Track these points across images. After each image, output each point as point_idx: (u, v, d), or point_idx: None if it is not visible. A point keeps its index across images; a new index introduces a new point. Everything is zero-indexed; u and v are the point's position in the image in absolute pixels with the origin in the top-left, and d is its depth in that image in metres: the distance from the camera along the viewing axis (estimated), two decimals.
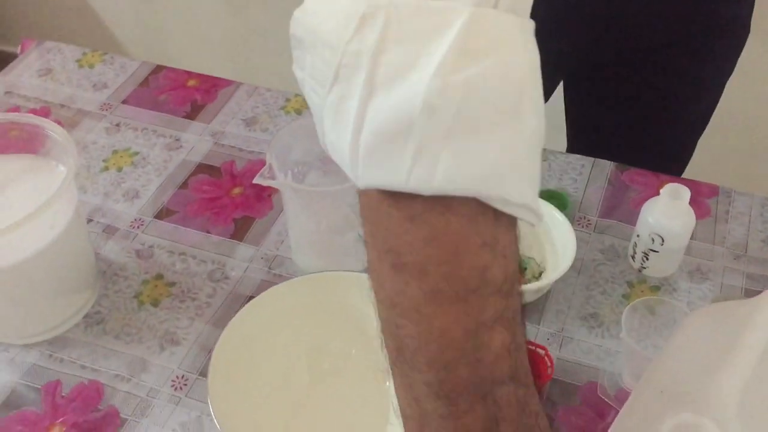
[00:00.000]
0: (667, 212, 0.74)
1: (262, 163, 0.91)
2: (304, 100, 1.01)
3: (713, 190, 0.88)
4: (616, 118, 1.01)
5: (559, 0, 0.87)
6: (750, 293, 0.77)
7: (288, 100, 1.02)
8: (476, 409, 0.35)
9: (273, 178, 0.72)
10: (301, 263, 0.82)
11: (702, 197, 0.86)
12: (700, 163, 1.50)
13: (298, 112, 1.00)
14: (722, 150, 1.61)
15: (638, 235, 0.77)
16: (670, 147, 1.03)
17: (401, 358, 0.37)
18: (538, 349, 0.71)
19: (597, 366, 0.72)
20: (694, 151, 1.05)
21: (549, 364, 0.69)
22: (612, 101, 1.01)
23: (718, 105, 0.99)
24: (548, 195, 0.87)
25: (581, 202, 0.87)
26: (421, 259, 0.34)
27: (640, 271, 0.79)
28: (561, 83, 1.06)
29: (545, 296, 0.78)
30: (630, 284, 0.79)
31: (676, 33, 0.89)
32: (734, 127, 1.54)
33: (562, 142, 1.11)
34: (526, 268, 0.80)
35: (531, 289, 0.73)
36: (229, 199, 0.89)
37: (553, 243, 0.79)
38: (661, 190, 0.74)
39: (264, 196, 0.89)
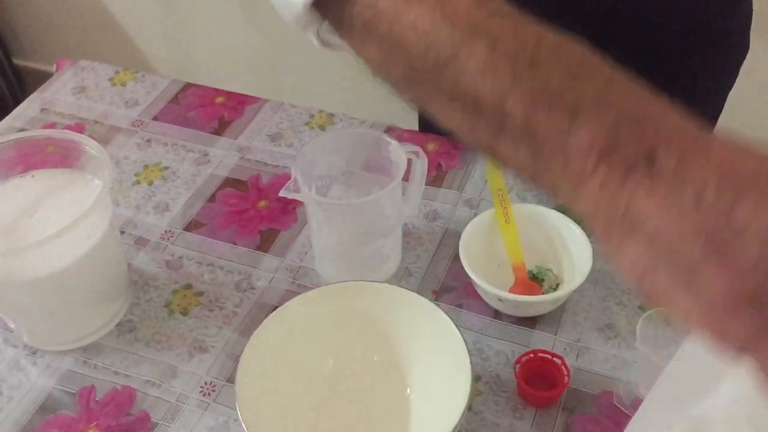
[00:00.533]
0: None
1: (287, 177, 0.94)
2: (328, 116, 1.05)
3: None
4: None
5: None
6: None
7: (312, 116, 1.05)
8: None
9: (298, 191, 0.75)
10: (324, 274, 0.85)
11: None
12: None
13: (322, 128, 1.03)
14: None
15: None
16: None
17: None
18: (555, 359, 0.73)
19: (613, 376, 0.74)
20: None
21: (565, 372, 0.71)
22: None
23: (723, 118, 1.00)
24: (564, 207, 0.89)
25: None
26: None
27: None
28: None
29: (562, 307, 0.79)
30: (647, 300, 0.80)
31: (669, 47, 0.89)
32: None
33: None
34: (543, 280, 0.82)
35: (548, 299, 0.75)
36: (255, 211, 0.92)
37: (570, 255, 0.81)
38: None
39: (289, 209, 0.92)
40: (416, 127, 1.11)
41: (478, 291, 0.80)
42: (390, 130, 1.02)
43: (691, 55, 0.90)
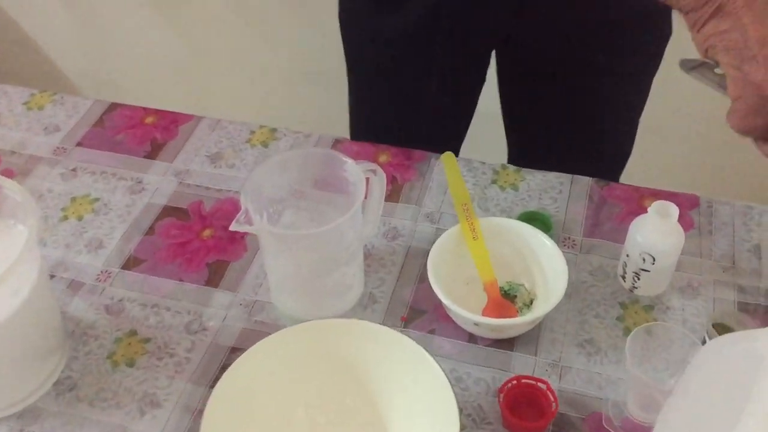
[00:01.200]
0: (656, 230, 0.73)
1: (232, 201, 0.87)
2: (270, 131, 0.98)
3: (693, 202, 0.87)
4: (547, 121, 1.01)
5: None
6: (742, 306, 0.76)
7: (252, 132, 0.98)
8: None
9: (250, 223, 0.68)
10: (282, 307, 0.78)
11: (683, 210, 0.85)
12: (671, 171, 1.50)
13: (264, 145, 0.96)
14: (689, 155, 1.62)
15: (628, 255, 0.76)
16: (605, 147, 1.03)
17: None
18: (539, 383, 0.68)
19: (599, 395, 0.70)
20: (630, 150, 1.04)
21: (552, 399, 0.67)
22: (541, 103, 1.00)
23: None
24: (530, 216, 0.85)
25: (564, 222, 0.85)
26: None
27: (631, 290, 0.78)
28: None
29: (539, 324, 0.75)
30: (623, 305, 0.77)
31: (590, 27, 0.87)
32: (693, 131, 1.55)
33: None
34: (516, 296, 0.77)
35: (526, 321, 0.70)
36: (200, 242, 0.85)
37: (542, 268, 0.77)
38: (648, 208, 0.73)
39: (237, 237, 0.85)
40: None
41: (450, 314, 0.75)
42: (338, 143, 0.96)
43: (615, 33, 0.88)
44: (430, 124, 1.03)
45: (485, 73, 1.00)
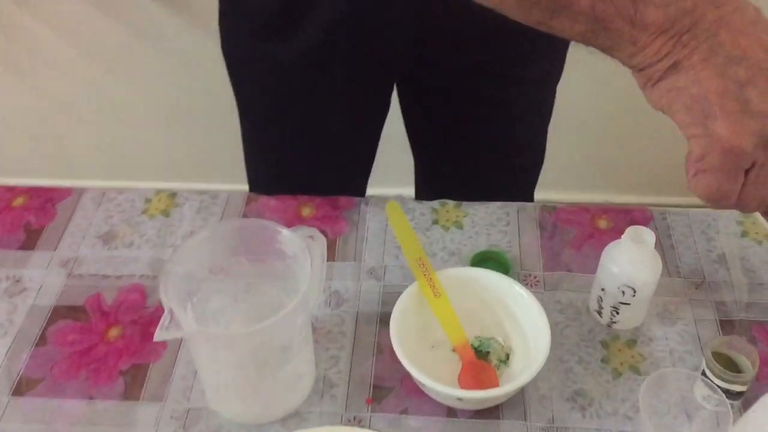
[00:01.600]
0: (633, 260, 0.66)
1: (138, 288, 0.75)
2: (169, 197, 0.84)
3: (646, 216, 0.81)
4: (458, 142, 0.94)
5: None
6: (725, 325, 0.71)
7: (148, 200, 0.84)
8: None
9: (179, 327, 0.56)
10: (224, 412, 0.65)
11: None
12: (577, 173, 1.45)
13: (165, 214, 0.82)
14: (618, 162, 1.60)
15: (603, 289, 0.68)
16: (520, 160, 0.98)
17: None
18: None
19: None
20: (543, 159, 1.00)
21: None
22: (450, 124, 0.93)
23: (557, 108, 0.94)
24: (484, 257, 0.76)
25: (521, 259, 0.77)
26: None
27: (609, 326, 0.71)
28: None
29: None
30: (604, 344, 0.70)
31: (491, 36, 0.81)
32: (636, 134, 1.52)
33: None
34: (489, 352, 0.69)
35: (516, 387, 0.61)
36: (108, 346, 0.70)
37: (514, 315, 0.68)
38: (623, 236, 0.66)
39: (152, 331, 0.71)
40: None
41: (425, 390, 0.65)
42: (252, 201, 0.84)
43: (518, 41, 0.82)
44: (336, 162, 0.93)
45: (389, 101, 0.91)
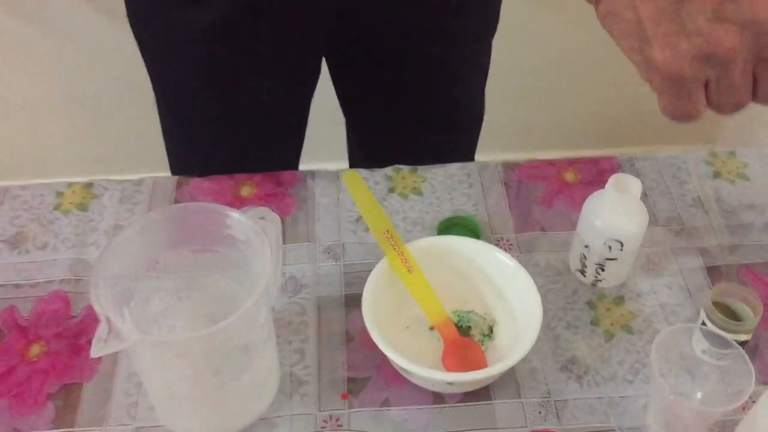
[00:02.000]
0: (619, 211, 0.60)
1: (59, 296, 0.65)
2: (84, 188, 0.73)
3: (614, 164, 0.76)
4: (395, 105, 0.87)
5: None
6: (712, 272, 0.66)
7: (60, 194, 0.73)
8: None
9: (119, 338, 0.46)
10: (179, 428, 0.56)
11: (607, 175, 0.74)
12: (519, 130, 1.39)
13: (83, 208, 0.72)
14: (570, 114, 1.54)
15: (587, 246, 0.63)
16: (460, 117, 0.92)
17: None
18: None
19: (611, 425, 0.57)
20: (483, 115, 0.94)
21: None
22: (385, 87, 0.86)
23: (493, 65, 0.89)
24: (451, 224, 0.70)
25: (490, 222, 0.71)
26: None
27: (594, 285, 0.65)
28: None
29: None
30: (591, 305, 0.64)
31: None
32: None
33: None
34: (470, 327, 0.62)
35: (508, 365, 0.55)
36: (30, 366, 0.60)
37: (493, 284, 0.62)
38: (606, 185, 0.60)
39: (82, 343, 0.62)
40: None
41: (408, 376, 0.58)
42: (182, 184, 0.74)
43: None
44: (264, 137, 0.84)
45: (319, 67, 0.83)
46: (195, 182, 0.74)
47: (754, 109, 0.48)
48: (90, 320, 0.63)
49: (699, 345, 0.58)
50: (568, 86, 1.44)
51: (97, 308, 0.47)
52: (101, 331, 0.46)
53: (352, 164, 0.98)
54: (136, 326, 0.52)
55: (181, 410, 0.55)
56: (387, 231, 0.61)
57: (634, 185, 0.60)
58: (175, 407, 0.55)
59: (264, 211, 0.55)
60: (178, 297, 0.59)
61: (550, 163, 0.76)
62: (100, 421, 0.57)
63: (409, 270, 0.60)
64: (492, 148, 0.87)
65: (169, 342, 0.48)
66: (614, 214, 0.60)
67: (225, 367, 0.52)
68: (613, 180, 0.60)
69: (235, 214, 0.53)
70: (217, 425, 0.56)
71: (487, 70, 0.90)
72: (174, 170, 0.88)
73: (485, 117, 0.93)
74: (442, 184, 0.74)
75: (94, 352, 0.45)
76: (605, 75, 1.34)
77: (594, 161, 0.76)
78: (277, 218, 0.56)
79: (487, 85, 0.90)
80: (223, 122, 0.81)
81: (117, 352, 0.61)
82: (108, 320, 0.46)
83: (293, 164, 0.91)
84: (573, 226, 0.70)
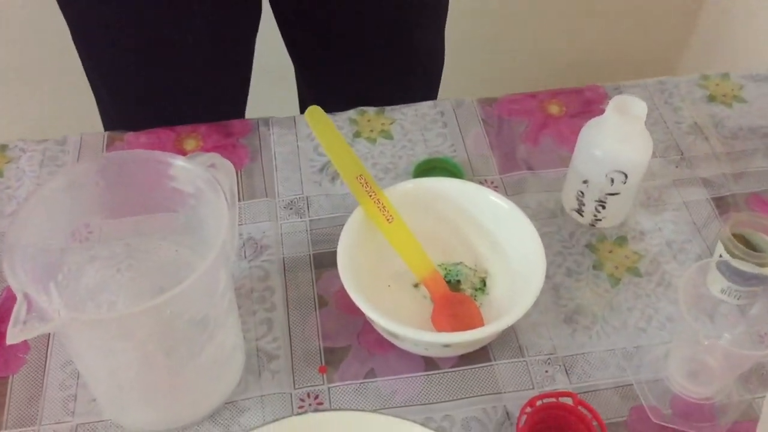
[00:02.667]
0: (622, 138, 0.53)
1: None
2: None
3: (600, 93, 0.69)
4: (348, 51, 0.79)
5: None
6: (718, 203, 0.60)
7: None
8: None
9: (43, 318, 0.37)
10: (128, 422, 0.47)
11: (594, 106, 0.67)
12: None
13: None
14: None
15: (585, 181, 0.56)
16: (418, 62, 0.84)
17: None
18: (564, 399, 0.46)
19: (627, 380, 0.50)
20: (443, 60, 0.86)
21: (588, 415, 0.46)
22: (337, 33, 0.77)
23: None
24: (428, 169, 0.61)
25: (470, 162, 0.63)
26: None
27: (592, 225, 0.58)
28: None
29: None
30: (592, 248, 0.57)
31: None
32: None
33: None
34: (459, 281, 0.54)
35: (509, 320, 0.47)
36: None
37: (483, 230, 0.54)
38: (606, 109, 0.53)
39: (4, 331, 0.52)
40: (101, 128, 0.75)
41: (394, 341, 0.50)
42: (116, 140, 0.64)
43: None
44: (206, 86, 0.74)
45: (260, 4, 0.73)
46: (130, 137, 0.64)
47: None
48: (12, 303, 0.53)
49: (717, 284, 0.51)
50: (533, 25, 1.37)
51: (12, 283, 0.38)
52: (18, 311, 0.37)
53: (304, 110, 0.88)
54: (67, 304, 0.43)
55: (129, 401, 0.46)
56: (360, 176, 0.52)
57: (638, 107, 0.53)
58: (122, 398, 0.46)
59: (213, 157, 0.46)
60: (116, 268, 0.49)
61: (531, 95, 0.68)
62: (32, 419, 0.48)
63: (388, 219, 0.52)
64: (460, 95, 0.78)
65: (107, 320, 0.39)
66: (616, 141, 0.53)
67: (179, 346, 0.43)
68: (614, 102, 0.53)
69: (179, 162, 0.44)
70: (174, 415, 0.47)
71: (446, 12, 0.81)
72: (107, 129, 0.77)
73: (454, 62, 0.85)
74: (414, 125, 0.66)
75: (11, 337, 0.36)
76: (575, 12, 1.27)
77: (578, 91, 0.69)
78: (230, 165, 0.47)
79: (449, 29, 0.82)
80: (156, 68, 0.71)
81: (47, 338, 0.51)
82: (27, 297, 0.37)
83: (239, 114, 0.81)
84: (563, 162, 0.63)
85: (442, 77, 0.84)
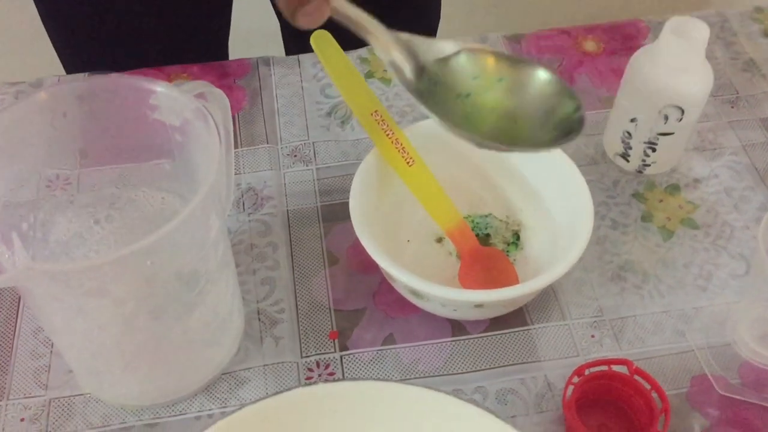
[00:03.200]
0: (679, 66, 0.46)
1: None
2: None
3: (641, 28, 0.61)
4: None
5: None
6: None
7: None
8: None
9: None
10: (109, 396, 0.41)
11: (635, 42, 0.60)
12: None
13: None
14: None
15: (634, 120, 0.48)
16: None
17: None
18: (616, 367, 0.40)
19: (687, 345, 0.43)
20: (439, 7, 0.78)
21: (648, 386, 0.39)
22: None
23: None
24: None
25: None
26: None
27: (639, 172, 0.51)
28: None
29: None
30: (639, 197, 0.50)
31: None
32: None
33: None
34: (488, 235, 0.47)
35: (551, 277, 0.40)
36: None
37: (516, 177, 0.47)
38: (661, 34, 0.45)
39: None
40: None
41: (416, 302, 0.43)
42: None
43: None
44: (185, 25, 0.65)
45: None
46: (114, 79, 0.57)
47: None
48: None
49: None
50: None
51: None
52: None
53: (288, 50, 0.80)
54: (36, 259, 0.37)
55: (109, 372, 0.39)
56: (376, 111, 0.45)
57: (699, 30, 0.45)
58: (101, 369, 0.39)
59: (203, 85, 0.39)
60: (94, 219, 0.43)
61: (564, 31, 0.61)
62: (2, 393, 0.41)
63: (408, 162, 0.44)
64: (484, 31, 0.71)
65: (72, 272, 0.32)
66: (673, 71, 0.46)
67: (165, 306, 0.36)
68: (671, 25, 0.45)
69: (161, 89, 0.37)
70: (161, 388, 0.41)
71: None
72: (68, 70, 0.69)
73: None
74: None
75: None
76: None
77: (617, 26, 0.61)
78: (223, 95, 0.40)
79: None
80: (129, 9, 0.63)
81: (18, 304, 0.45)
82: None
83: (222, 55, 0.73)
84: (602, 104, 0.56)
85: (466, 13, 0.76)
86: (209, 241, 0.36)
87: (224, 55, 0.73)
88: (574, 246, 0.41)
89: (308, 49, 0.51)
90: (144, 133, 0.39)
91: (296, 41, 0.77)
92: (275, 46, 0.77)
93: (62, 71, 0.67)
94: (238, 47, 0.76)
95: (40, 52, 0.87)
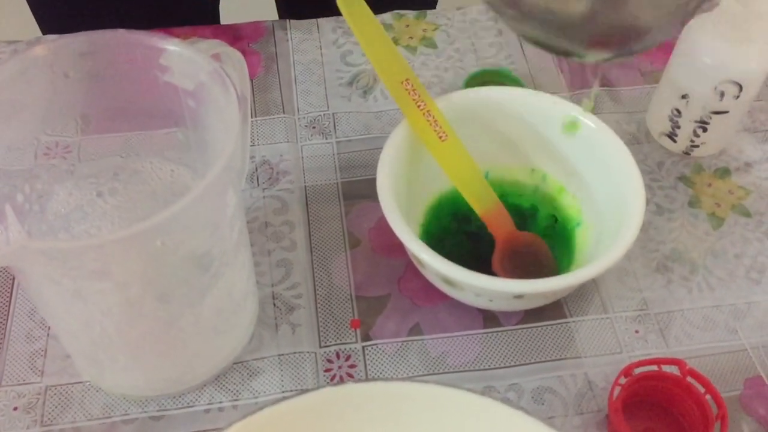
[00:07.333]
0: (741, 37, 0.42)
1: None
2: None
3: None
4: None
5: None
6: None
7: None
8: None
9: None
10: (111, 385, 0.37)
11: None
12: None
13: None
14: None
15: (685, 96, 0.44)
16: None
17: None
18: (667, 367, 0.36)
19: (740, 344, 0.40)
20: None
21: (701, 389, 0.35)
22: None
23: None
24: (482, 83, 0.50)
25: (532, 76, 0.52)
26: None
27: (687, 153, 0.47)
28: None
29: None
30: (686, 181, 0.46)
31: None
32: None
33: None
34: (540, 212, 0.44)
35: (592, 275, 0.37)
36: None
37: (558, 153, 0.43)
38: (722, 1, 0.41)
39: None
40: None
41: (447, 291, 0.39)
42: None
43: None
44: None
45: None
46: (120, 34, 0.53)
47: None
48: None
49: None
50: None
51: None
52: None
53: (281, 13, 0.75)
54: (32, 234, 0.33)
55: (111, 360, 0.36)
56: (407, 80, 0.41)
57: None
58: (102, 357, 0.36)
59: (218, 44, 0.35)
60: (96, 192, 0.39)
61: None
62: None
63: (440, 137, 0.41)
64: None
65: (78, 251, 0.29)
66: (733, 43, 0.42)
67: (176, 290, 0.33)
68: None
69: (173, 47, 0.33)
70: (167, 378, 0.37)
71: None
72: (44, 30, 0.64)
73: None
74: (461, 32, 0.54)
75: None
76: None
77: None
78: (241, 57, 0.36)
79: None
80: None
81: (12, 285, 0.41)
82: None
83: (213, 18, 0.68)
84: (646, 79, 0.52)
85: None
86: (226, 219, 0.32)
87: (216, 18, 0.69)
88: (623, 234, 0.37)
89: (302, 15, 0.47)
90: (153, 98, 0.35)
91: (289, 6, 0.72)
92: (268, 11, 0.72)
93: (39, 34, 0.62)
94: (230, 12, 0.72)
95: (15, 13, 0.82)
